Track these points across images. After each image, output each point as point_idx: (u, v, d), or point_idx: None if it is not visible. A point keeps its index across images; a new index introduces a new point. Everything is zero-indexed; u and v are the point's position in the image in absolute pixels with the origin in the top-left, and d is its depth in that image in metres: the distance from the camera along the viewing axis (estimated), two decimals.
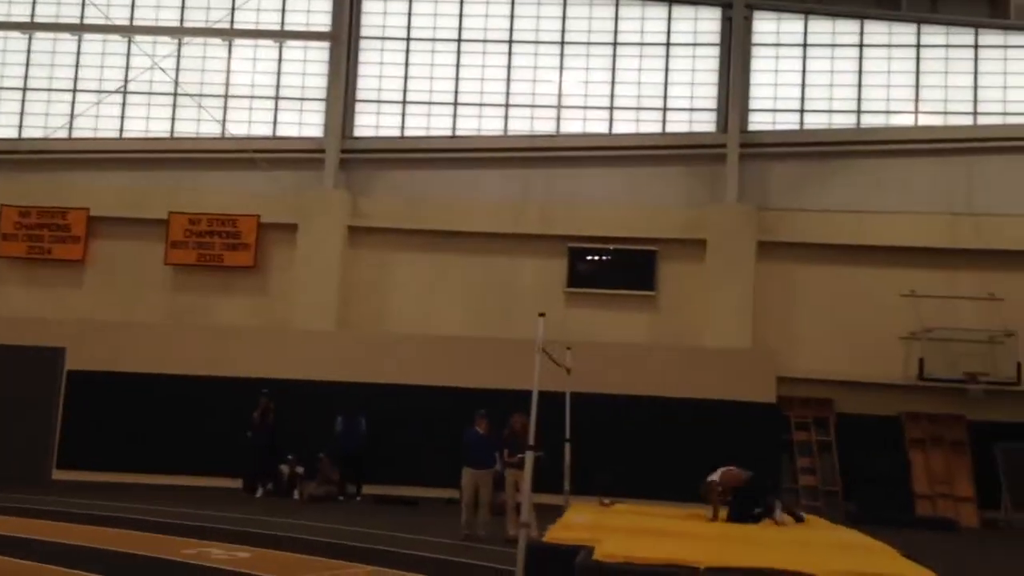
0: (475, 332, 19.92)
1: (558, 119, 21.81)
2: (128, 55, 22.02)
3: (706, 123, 21.58)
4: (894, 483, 18.33)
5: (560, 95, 21.75)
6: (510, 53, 21.87)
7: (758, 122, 21.44)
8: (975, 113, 20.86)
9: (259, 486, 17.43)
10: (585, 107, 21.79)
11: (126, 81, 21.88)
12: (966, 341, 19.11)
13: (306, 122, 22.12)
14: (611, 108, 21.63)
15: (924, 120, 20.94)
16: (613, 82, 21.63)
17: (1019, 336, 18.94)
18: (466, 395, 15.35)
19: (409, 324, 20.61)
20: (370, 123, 22.17)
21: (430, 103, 21.95)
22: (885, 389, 19.71)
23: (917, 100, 21.02)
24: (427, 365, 18.09)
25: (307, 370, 18.66)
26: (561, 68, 21.81)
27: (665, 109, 21.55)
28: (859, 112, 21.23)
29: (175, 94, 21.89)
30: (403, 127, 22.05)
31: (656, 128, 21.66)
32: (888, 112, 21.22)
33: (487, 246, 21.30)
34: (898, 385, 19.66)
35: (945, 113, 20.96)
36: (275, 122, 22.07)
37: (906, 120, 21.05)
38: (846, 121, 21.22)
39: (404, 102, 22.00)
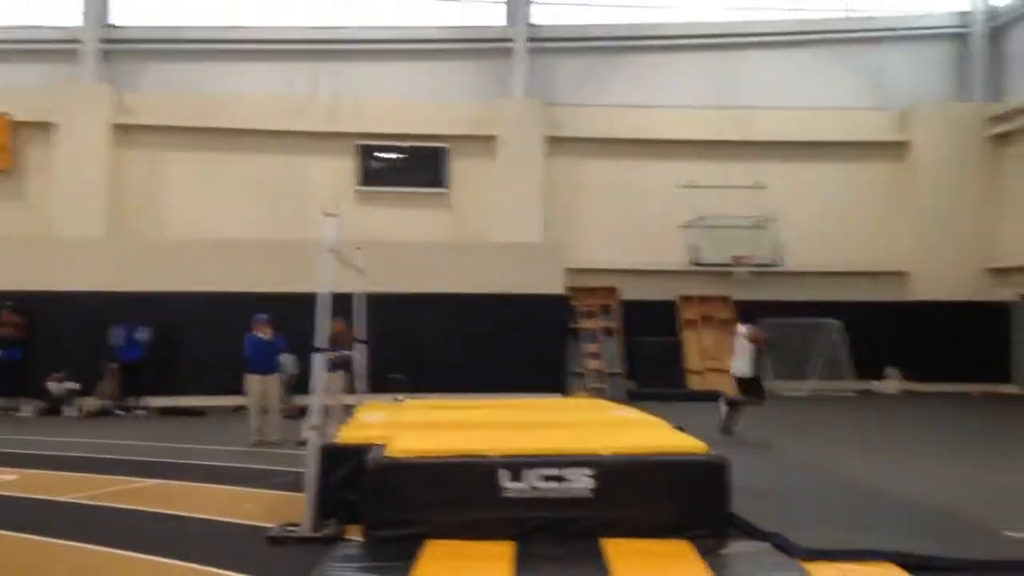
0: (261, 235, 19.21)
1: (343, 10, 20.92)
2: None
3: (495, 17, 21.41)
4: (671, 362, 19.66)
5: None
6: None
7: (546, 17, 21.50)
8: (747, 8, 21.84)
9: (22, 406, 16.18)
10: None
11: None
12: (734, 228, 20.52)
13: (61, 8, 19.97)
14: None
15: (700, 16, 21.72)
16: None
17: (780, 221, 20.51)
18: (253, 300, 14.78)
19: (188, 228, 19.57)
20: (136, 10, 20.35)
21: None
22: (665, 275, 20.94)
23: None
24: (210, 270, 17.24)
25: (75, 281, 17.23)
26: None
27: (455, 0, 21.17)
28: (641, 8, 21.74)
29: None
30: (173, 15, 20.40)
31: (445, 21, 21.26)
32: (667, 8, 21.84)
33: (271, 144, 20.43)
34: (676, 271, 20.92)
35: (722, 8, 21.81)
36: (26, 9, 19.79)
37: (684, 16, 21.75)
38: (629, 17, 21.67)
39: None
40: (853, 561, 5.97)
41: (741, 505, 7.08)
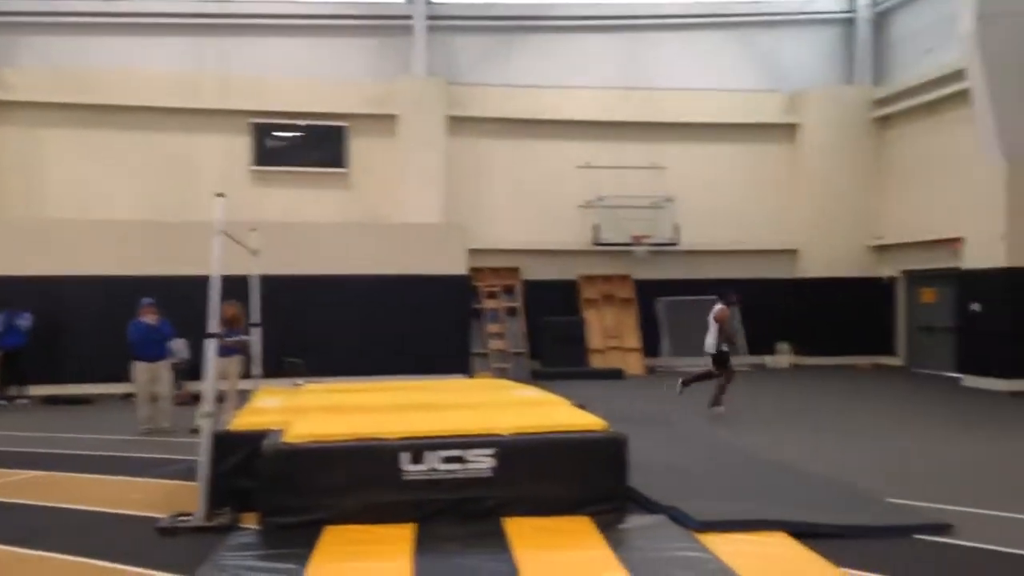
0: (151, 216, 18.52)
1: None
2: None
3: None
4: (573, 340, 19.86)
5: None
6: None
7: None
8: None
9: None
10: None
11: None
12: (633, 207, 20.81)
13: None
14: None
15: None
16: None
17: (677, 201, 20.90)
18: (142, 284, 14.24)
19: (72, 210, 18.72)
20: None
21: None
22: (566, 255, 21.12)
23: None
24: (95, 253, 16.50)
25: None
26: None
27: None
28: None
29: None
30: None
31: None
32: None
33: (161, 122, 19.71)
34: (577, 251, 21.12)
35: None
36: None
37: None
38: None
39: None
40: (745, 531, 6.15)
41: (639, 480, 7.21)
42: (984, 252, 16.24)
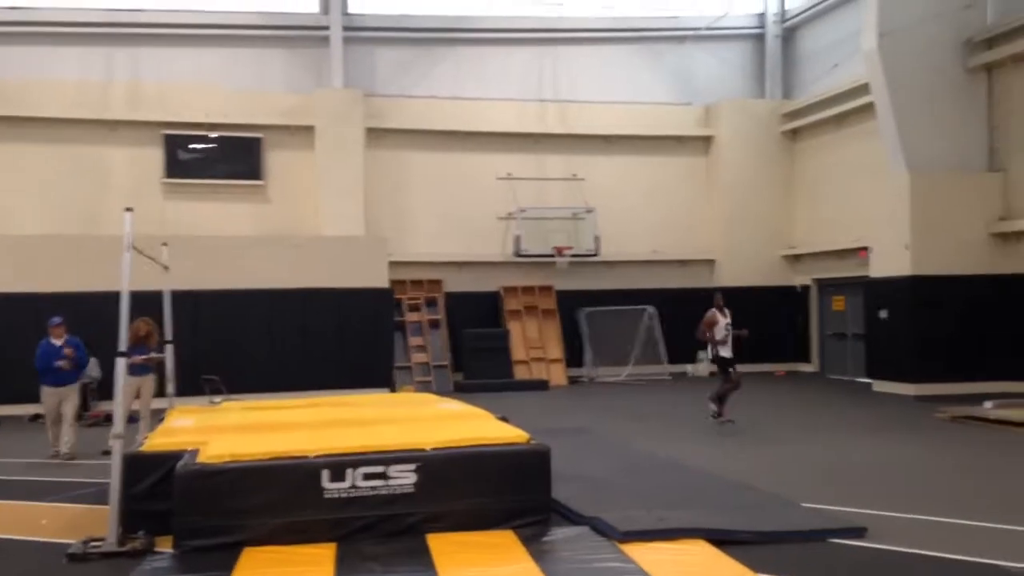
0: (60, 230, 17.89)
1: None
2: None
3: (310, 3, 20.84)
4: (496, 352, 19.87)
5: None
6: None
7: (363, 5, 21.13)
8: (561, 3, 22.27)
9: None
10: None
11: None
12: (554, 219, 20.97)
13: None
14: None
15: (518, 10, 21.98)
16: None
17: (597, 212, 21.14)
18: (49, 301, 13.75)
19: None
20: None
21: None
22: (488, 267, 21.15)
23: None
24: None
25: None
26: None
27: None
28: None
29: None
30: None
31: (256, 6, 20.49)
32: (486, 1, 21.96)
33: (68, 133, 19.10)
34: (499, 262, 21.16)
35: (539, 4, 22.10)
36: None
37: (502, 10, 21.95)
38: (447, 8, 21.62)
39: None
40: (667, 540, 6.23)
41: (562, 491, 7.24)
42: (890, 261, 16.83)
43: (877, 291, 17.47)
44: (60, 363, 10.85)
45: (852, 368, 19.75)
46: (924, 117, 16.33)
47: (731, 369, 12.74)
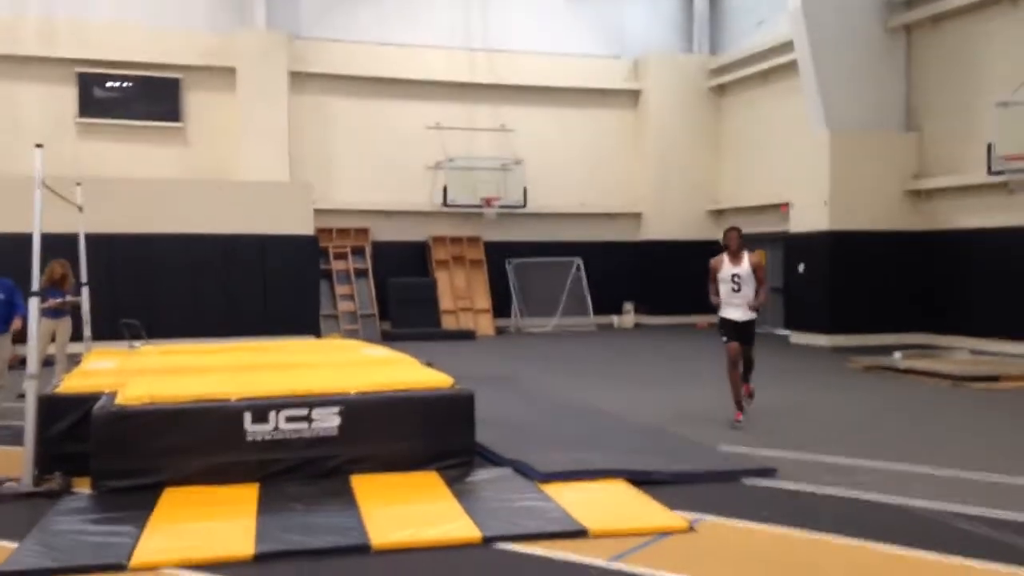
0: None
1: None
2: None
3: None
4: (423, 302, 19.87)
5: None
6: None
7: None
8: None
9: None
10: None
11: None
12: (483, 169, 20.91)
13: None
14: None
15: None
16: None
17: (525, 163, 21.14)
18: None
19: None
20: None
21: None
22: (416, 216, 21.02)
23: None
24: None
25: None
26: None
27: None
28: None
29: None
30: None
31: None
32: None
33: None
34: (426, 212, 21.05)
35: None
36: None
37: None
38: None
39: None
40: (586, 480, 6.39)
41: (486, 435, 7.34)
42: (809, 216, 17.28)
43: (796, 245, 17.94)
44: None
45: (771, 320, 20.29)
46: (844, 76, 16.68)
47: (732, 339, 9.37)
